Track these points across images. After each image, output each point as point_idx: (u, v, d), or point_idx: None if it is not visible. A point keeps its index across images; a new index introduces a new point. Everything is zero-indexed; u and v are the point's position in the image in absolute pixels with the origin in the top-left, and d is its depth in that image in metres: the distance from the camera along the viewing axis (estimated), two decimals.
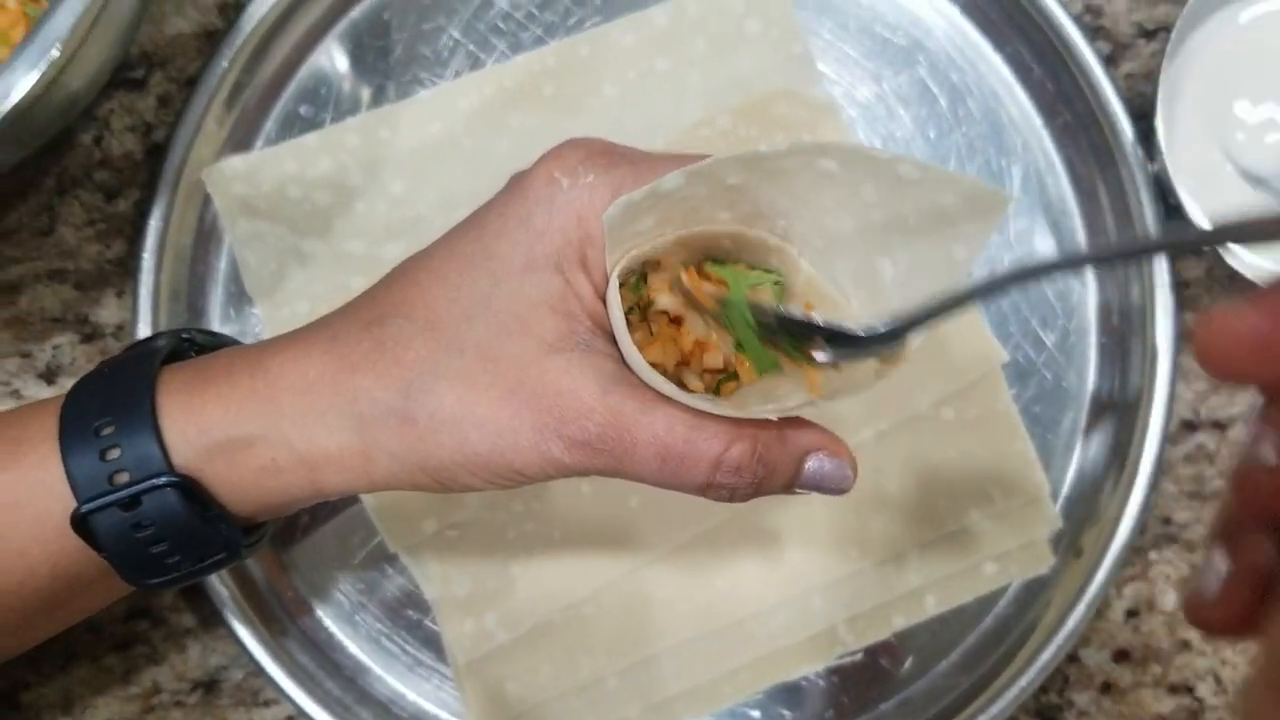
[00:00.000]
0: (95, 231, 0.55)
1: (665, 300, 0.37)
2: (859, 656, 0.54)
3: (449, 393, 0.37)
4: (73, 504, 0.38)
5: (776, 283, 0.37)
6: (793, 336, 0.36)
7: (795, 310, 0.36)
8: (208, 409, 0.39)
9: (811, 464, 0.38)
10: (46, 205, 0.55)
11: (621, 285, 0.37)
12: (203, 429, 0.39)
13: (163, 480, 0.38)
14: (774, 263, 0.38)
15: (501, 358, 0.37)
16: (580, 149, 0.38)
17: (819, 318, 0.36)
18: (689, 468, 0.36)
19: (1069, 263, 0.31)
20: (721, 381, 0.38)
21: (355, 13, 0.56)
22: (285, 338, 0.41)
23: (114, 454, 0.38)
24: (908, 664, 0.54)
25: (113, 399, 0.39)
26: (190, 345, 0.44)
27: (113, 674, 0.55)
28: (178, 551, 0.39)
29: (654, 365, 0.37)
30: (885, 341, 0.34)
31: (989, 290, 0.32)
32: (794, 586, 0.54)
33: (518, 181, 0.39)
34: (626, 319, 0.37)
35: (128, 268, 0.55)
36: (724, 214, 0.37)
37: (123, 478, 0.38)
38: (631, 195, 0.34)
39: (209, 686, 0.55)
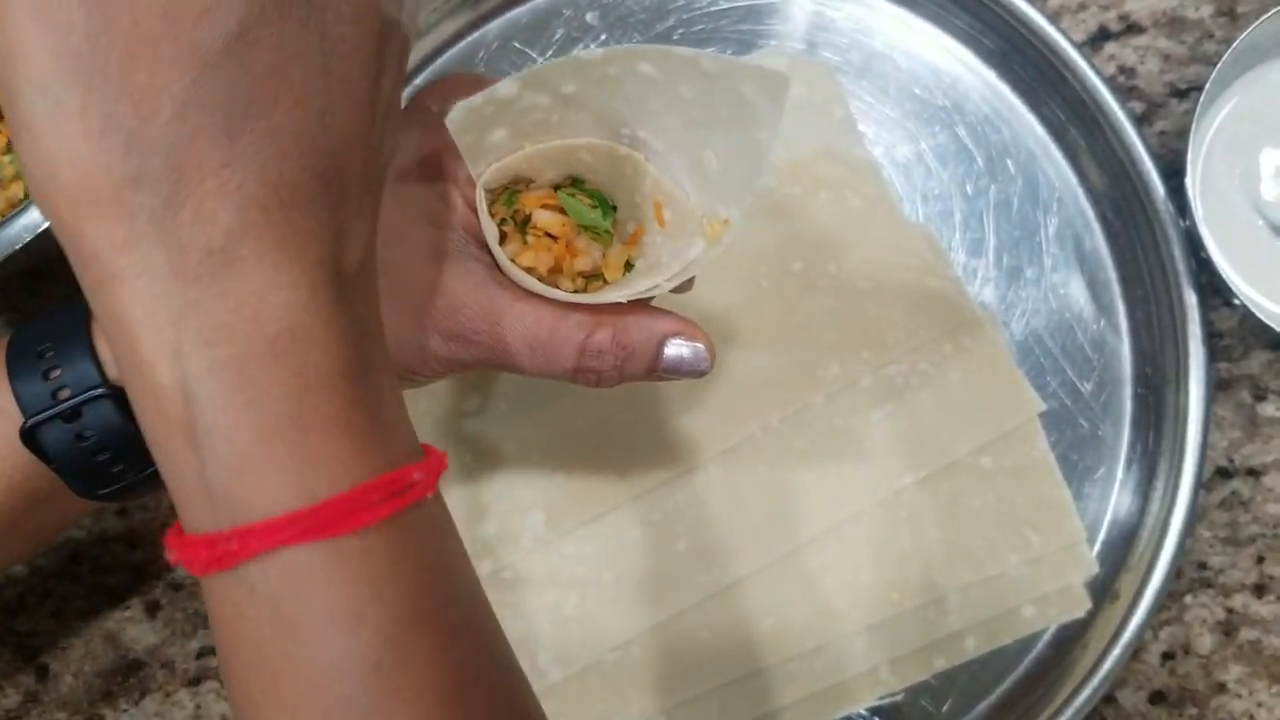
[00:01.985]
0: None
1: (544, 217, 0.41)
2: (900, 697, 0.55)
3: None
4: (21, 421, 0.40)
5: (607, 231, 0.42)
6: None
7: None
8: None
9: (670, 349, 0.42)
10: None
11: (495, 200, 0.41)
12: None
13: (99, 391, 0.40)
14: (627, 170, 0.41)
15: (382, 263, 0.38)
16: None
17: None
18: (556, 353, 0.40)
19: None
20: (589, 281, 0.42)
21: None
22: None
23: (55, 373, 0.40)
24: (948, 704, 0.55)
25: (54, 329, 0.42)
26: None
27: (184, 708, 0.57)
28: (120, 460, 0.41)
29: (528, 270, 0.40)
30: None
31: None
32: (837, 628, 0.55)
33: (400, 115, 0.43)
34: (502, 231, 0.41)
35: None
36: (574, 129, 0.40)
37: (64, 394, 0.40)
38: (470, 100, 0.37)
39: None
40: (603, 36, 0.59)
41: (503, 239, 0.41)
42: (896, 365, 0.57)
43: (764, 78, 0.36)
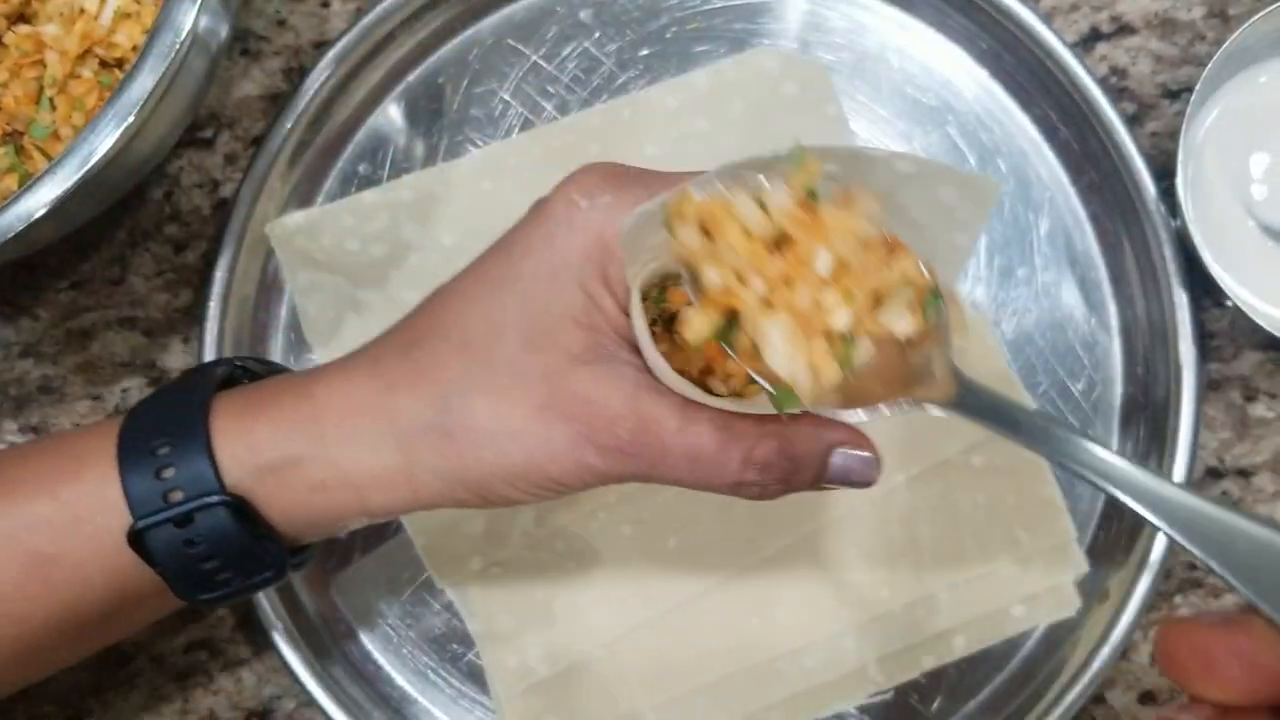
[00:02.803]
0: (164, 281, 0.59)
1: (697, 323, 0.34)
2: (889, 695, 0.55)
3: (485, 407, 0.39)
4: (129, 521, 0.40)
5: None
6: None
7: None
8: (258, 432, 0.41)
9: (837, 459, 0.39)
10: (119, 257, 0.59)
11: (644, 298, 0.38)
12: (253, 450, 0.40)
13: (215, 499, 0.39)
14: None
15: (532, 371, 0.38)
16: (596, 172, 0.40)
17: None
18: (719, 468, 0.38)
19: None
20: (746, 385, 0.39)
21: (411, 77, 0.59)
22: (330, 365, 0.43)
23: (169, 473, 0.40)
24: (937, 703, 0.55)
25: (169, 421, 0.41)
26: (243, 372, 0.47)
27: (171, 703, 0.57)
28: (228, 568, 0.41)
29: (679, 372, 0.38)
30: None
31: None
32: (826, 626, 0.55)
33: (538, 206, 0.41)
34: (651, 330, 0.38)
35: (194, 316, 0.58)
36: None
37: (177, 496, 0.40)
38: (645, 206, 0.35)
39: (262, 716, 0.57)
40: (596, 34, 0.59)
41: (655, 340, 0.38)
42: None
43: (968, 182, 0.34)
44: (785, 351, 0.31)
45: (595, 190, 0.39)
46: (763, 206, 0.33)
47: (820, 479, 0.40)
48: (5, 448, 0.47)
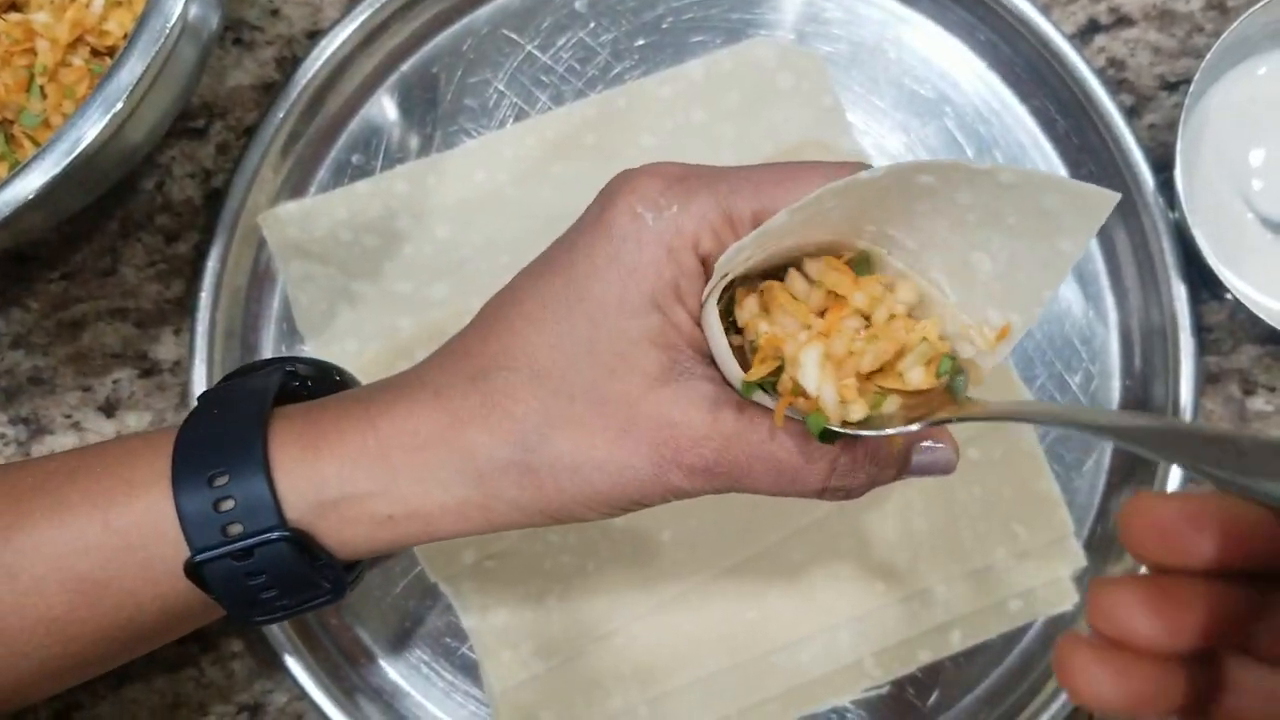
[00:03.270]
0: (156, 272, 0.58)
1: (764, 325, 0.37)
2: (885, 689, 0.55)
3: (566, 441, 0.38)
4: (184, 548, 0.39)
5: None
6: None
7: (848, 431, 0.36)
8: (321, 464, 0.40)
9: (920, 455, 0.40)
10: (110, 247, 0.58)
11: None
12: (316, 484, 0.40)
13: (275, 535, 0.39)
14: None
15: (610, 399, 0.38)
16: (657, 178, 0.38)
17: (874, 432, 0.36)
18: (804, 477, 0.38)
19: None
20: None
21: (405, 67, 0.59)
22: (390, 389, 0.42)
23: (227, 505, 0.39)
24: (933, 697, 0.55)
25: (225, 446, 0.40)
26: (294, 378, 0.46)
27: (163, 696, 0.57)
28: (286, 596, 0.41)
29: (756, 382, 0.37)
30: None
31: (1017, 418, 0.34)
32: (822, 620, 0.55)
33: (599, 218, 0.38)
34: (731, 343, 0.37)
35: (186, 307, 0.58)
36: (816, 229, 0.37)
37: (236, 529, 0.39)
38: (742, 241, 0.35)
39: (254, 710, 0.57)
40: (591, 24, 0.58)
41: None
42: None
43: (1079, 193, 0.33)
44: (815, 375, 0.35)
45: (659, 201, 0.37)
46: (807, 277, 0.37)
47: (903, 474, 0.40)
48: (49, 456, 0.46)
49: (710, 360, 0.38)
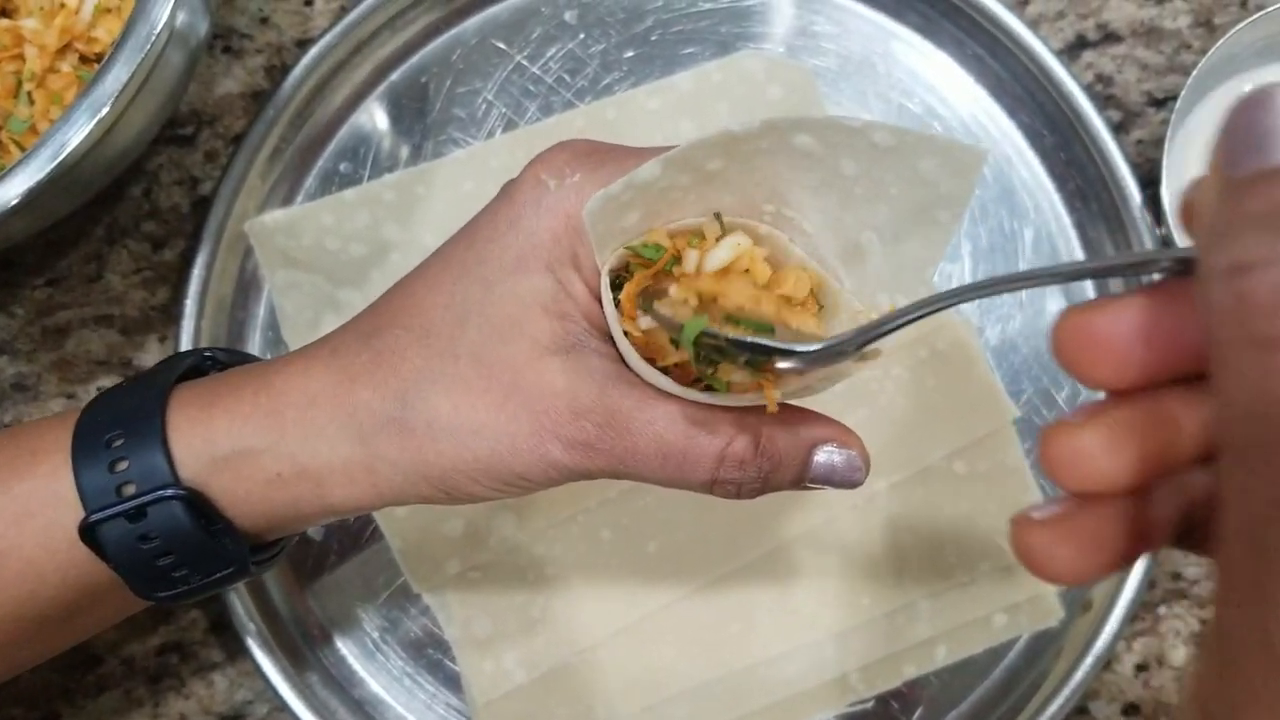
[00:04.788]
0: (142, 279, 0.58)
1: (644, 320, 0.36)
2: (870, 704, 0.55)
3: (445, 400, 0.37)
4: (82, 515, 0.38)
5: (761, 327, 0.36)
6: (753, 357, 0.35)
7: (746, 337, 0.34)
8: (214, 423, 0.39)
9: (820, 456, 0.37)
10: (96, 253, 0.58)
11: (615, 284, 0.37)
12: (208, 441, 0.39)
13: (168, 492, 0.38)
14: (765, 252, 0.37)
15: (496, 361, 0.37)
16: (566, 150, 0.38)
17: (772, 341, 0.34)
18: (691, 465, 0.36)
19: (1029, 277, 0.30)
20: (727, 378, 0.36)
21: (395, 76, 0.59)
22: (292, 354, 0.42)
23: (122, 466, 0.38)
24: (918, 713, 0.55)
25: (125, 413, 0.39)
26: (212, 363, 0.45)
27: (142, 706, 0.56)
28: (185, 565, 0.40)
29: (653, 363, 0.36)
30: (834, 355, 0.33)
31: (940, 302, 0.31)
32: (806, 634, 0.55)
33: (506, 188, 0.39)
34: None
35: (171, 314, 0.57)
36: (711, 204, 0.36)
37: (130, 489, 0.38)
38: (609, 188, 0.33)
39: None
40: (580, 36, 0.58)
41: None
42: (870, 370, 0.56)
43: (950, 151, 0.32)
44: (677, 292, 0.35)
45: (564, 169, 0.37)
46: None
47: (802, 479, 0.38)
48: None
49: (608, 338, 0.37)
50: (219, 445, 0.39)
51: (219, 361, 0.45)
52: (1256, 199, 0.23)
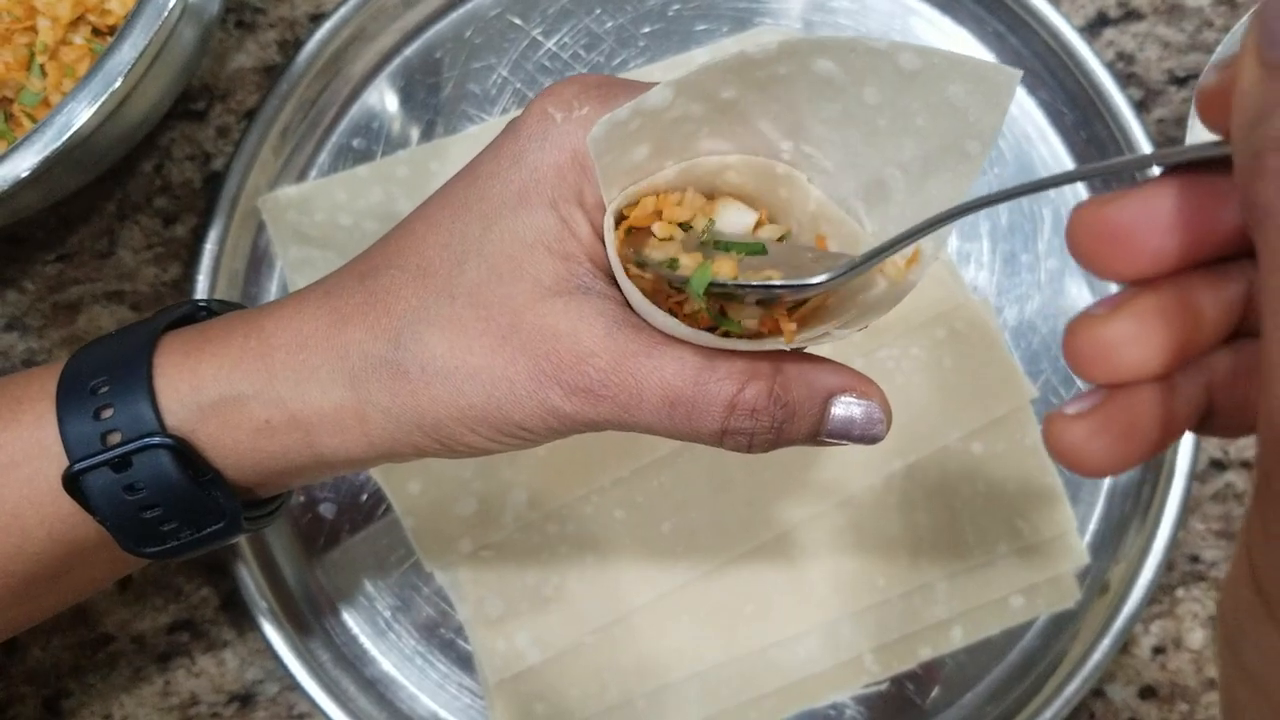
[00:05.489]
0: (153, 255, 0.58)
1: (656, 252, 0.35)
2: (885, 686, 0.54)
3: (440, 341, 0.35)
4: (65, 462, 0.37)
5: (754, 251, 0.35)
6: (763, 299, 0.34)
7: (753, 281, 0.33)
8: (202, 369, 0.38)
9: (838, 408, 0.35)
10: (107, 229, 0.58)
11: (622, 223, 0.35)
12: (195, 388, 0.38)
13: (154, 440, 0.36)
14: (782, 193, 0.35)
15: (494, 302, 0.35)
16: (575, 83, 0.36)
17: (781, 280, 0.33)
18: (701, 413, 0.34)
19: (1050, 181, 0.29)
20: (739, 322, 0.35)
21: (408, 51, 0.59)
22: (285, 297, 0.40)
23: (107, 414, 0.37)
24: (934, 694, 0.54)
25: (111, 359, 0.38)
26: (206, 313, 0.43)
27: (153, 684, 0.56)
28: (174, 518, 0.38)
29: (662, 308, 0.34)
30: (840, 280, 0.32)
31: (954, 215, 0.30)
32: (821, 615, 0.54)
33: (511, 122, 0.36)
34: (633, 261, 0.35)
35: (183, 290, 0.57)
36: (725, 143, 0.34)
37: (115, 438, 0.37)
38: (616, 113, 0.31)
39: (244, 700, 0.56)
40: (596, 11, 0.58)
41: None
42: (888, 349, 0.56)
43: (982, 74, 0.30)
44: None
45: (572, 102, 0.35)
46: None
47: (818, 431, 0.35)
48: None
49: (614, 281, 0.35)
50: (206, 391, 0.38)
51: (213, 312, 0.43)
52: None
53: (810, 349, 0.35)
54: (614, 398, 0.34)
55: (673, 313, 0.34)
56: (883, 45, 0.30)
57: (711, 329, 0.34)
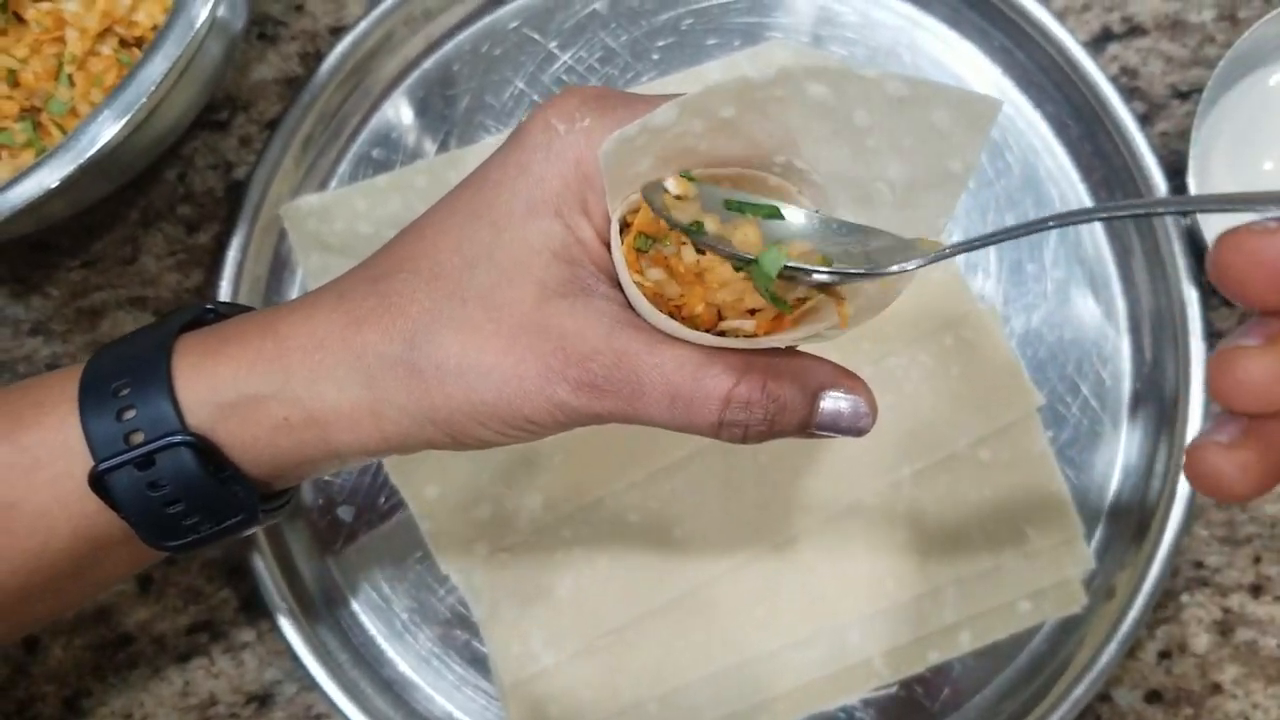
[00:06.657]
0: (176, 262, 0.59)
1: (689, 254, 0.36)
2: (894, 689, 0.55)
3: (453, 342, 0.37)
4: (90, 465, 0.38)
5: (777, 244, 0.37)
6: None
7: (823, 268, 0.35)
8: (220, 369, 0.39)
9: (826, 403, 0.37)
10: (131, 236, 0.59)
11: (625, 230, 0.37)
12: (214, 388, 0.39)
13: (176, 439, 0.38)
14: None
15: (504, 304, 0.37)
16: (576, 95, 0.38)
17: (849, 268, 0.35)
18: (699, 406, 0.36)
19: (1062, 219, 0.32)
20: (736, 318, 0.37)
21: (427, 64, 0.60)
22: (297, 300, 0.42)
23: (130, 414, 0.38)
24: (942, 698, 0.55)
25: (130, 362, 0.39)
26: (213, 317, 0.44)
27: (172, 685, 0.57)
28: (195, 512, 0.40)
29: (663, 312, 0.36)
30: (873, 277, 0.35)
31: (972, 246, 0.33)
32: (831, 619, 0.55)
33: (515, 133, 0.38)
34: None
35: (205, 297, 0.58)
36: (721, 154, 0.36)
37: (138, 437, 0.38)
38: (625, 130, 0.34)
39: (263, 700, 0.57)
40: (611, 25, 0.59)
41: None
42: (896, 357, 0.57)
43: (965, 102, 0.32)
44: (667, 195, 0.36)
45: (575, 114, 0.37)
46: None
47: (808, 424, 0.38)
48: None
49: (617, 284, 0.37)
50: (225, 392, 0.39)
51: (220, 315, 0.45)
52: None
53: (802, 347, 0.38)
54: (618, 392, 0.36)
55: (672, 315, 0.36)
56: (872, 74, 0.33)
57: (710, 330, 0.36)
